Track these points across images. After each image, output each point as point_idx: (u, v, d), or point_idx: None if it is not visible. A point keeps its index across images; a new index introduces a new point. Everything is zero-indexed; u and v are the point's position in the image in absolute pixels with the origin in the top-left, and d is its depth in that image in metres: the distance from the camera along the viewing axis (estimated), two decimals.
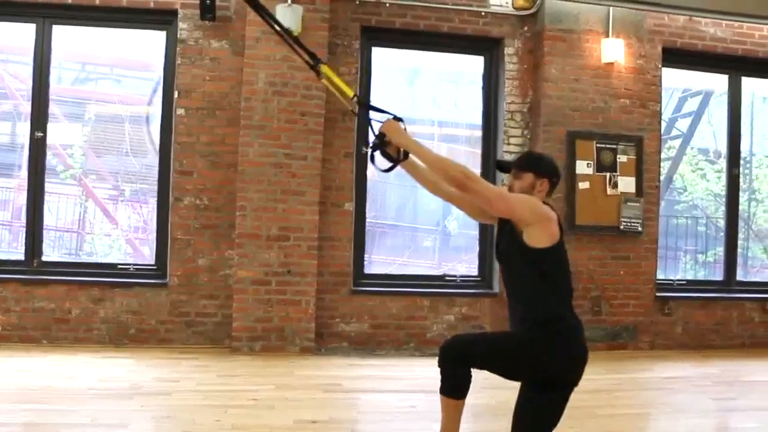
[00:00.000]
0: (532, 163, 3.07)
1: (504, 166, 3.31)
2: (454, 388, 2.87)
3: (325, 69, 3.10)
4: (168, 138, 5.93)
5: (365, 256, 6.33)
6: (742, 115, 7.01)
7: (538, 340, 2.85)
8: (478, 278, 6.54)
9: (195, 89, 5.86)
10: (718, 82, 7.15)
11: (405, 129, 2.93)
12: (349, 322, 6.09)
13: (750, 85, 7.08)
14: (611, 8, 6.29)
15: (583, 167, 6.32)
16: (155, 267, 5.96)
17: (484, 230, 6.51)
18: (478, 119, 6.60)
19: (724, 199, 7.04)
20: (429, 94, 7.05)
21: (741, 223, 7.14)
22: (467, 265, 6.68)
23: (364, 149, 2.87)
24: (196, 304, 5.82)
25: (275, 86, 5.76)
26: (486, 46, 6.53)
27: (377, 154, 2.98)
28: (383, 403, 4.55)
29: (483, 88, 6.60)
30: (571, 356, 2.89)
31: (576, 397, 2.95)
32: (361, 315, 6.12)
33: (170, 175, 5.88)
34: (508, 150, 6.37)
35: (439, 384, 2.88)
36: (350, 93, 3.12)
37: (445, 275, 6.53)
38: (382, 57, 6.42)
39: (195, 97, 5.86)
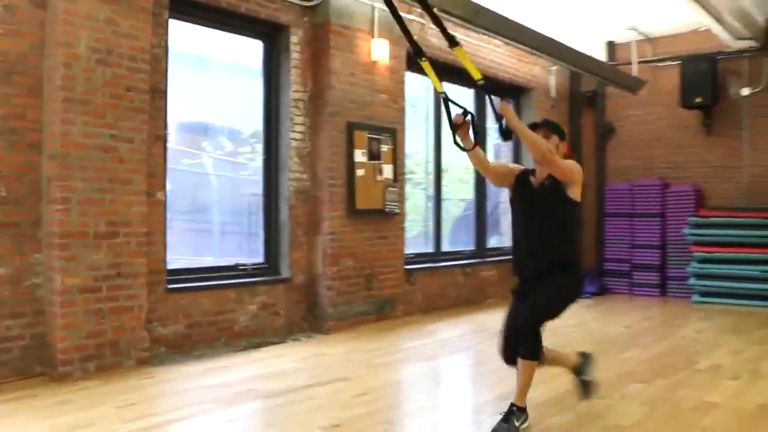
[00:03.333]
0: (558, 129, 4.05)
1: (535, 125, 4.02)
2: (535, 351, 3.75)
3: (459, 51, 3.78)
4: None
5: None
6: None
7: (570, 283, 3.93)
8: (266, 265, 6.73)
9: None
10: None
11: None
12: (166, 324, 5.65)
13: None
14: (375, 10, 7.19)
15: (359, 156, 7.08)
16: None
17: (269, 218, 6.72)
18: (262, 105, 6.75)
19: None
20: (218, 79, 6.81)
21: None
22: (248, 255, 6.76)
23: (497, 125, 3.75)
24: None
25: (99, 53, 4.96)
26: (274, 32, 6.69)
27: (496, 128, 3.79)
28: None
29: (268, 74, 6.74)
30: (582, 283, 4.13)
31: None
32: (176, 315, 5.73)
33: None
34: (293, 137, 6.71)
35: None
36: (478, 76, 3.77)
37: (237, 265, 6.52)
38: (179, 33, 6.00)
39: None
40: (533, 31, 7.39)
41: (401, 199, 7.59)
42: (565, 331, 6.89)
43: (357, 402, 4.36)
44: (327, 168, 6.80)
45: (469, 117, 3.75)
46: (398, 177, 7.52)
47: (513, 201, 4.12)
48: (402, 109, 7.64)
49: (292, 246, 6.72)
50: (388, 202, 7.39)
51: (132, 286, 5.18)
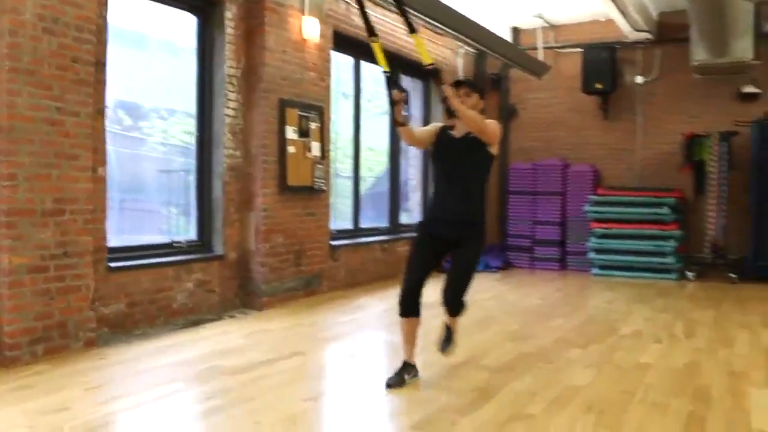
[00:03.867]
0: (478, 87, 4.51)
1: (459, 83, 4.40)
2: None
3: (415, 38, 4.18)
4: None
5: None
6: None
7: (482, 247, 4.44)
8: (199, 242, 6.69)
9: None
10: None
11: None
12: (108, 304, 5.55)
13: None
14: None
15: (290, 133, 7.14)
16: None
17: (202, 195, 6.67)
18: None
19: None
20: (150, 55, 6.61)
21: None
22: (180, 232, 6.69)
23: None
24: None
25: (45, 21, 4.76)
26: (208, 6, 6.60)
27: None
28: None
29: (202, 50, 6.65)
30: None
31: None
32: (117, 294, 5.64)
33: None
34: (227, 113, 6.68)
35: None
36: (429, 61, 4.17)
37: (173, 242, 6.45)
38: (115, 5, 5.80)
39: None
40: (451, 9, 7.60)
41: (327, 176, 7.75)
42: (486, 304, 7.37)
43: (325, 374, 4.55)
44: (261, 145, 6.83)
45: (404, 95, 4.13)
46: (325, 154, 7.67)
47: (435, 155, 4.50)
48: (328, 87, 7.76)
49: (226, 223, 6.74)
50: (316, 179, 7.52)
51: (78, 265, 5.06)
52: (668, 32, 9.58)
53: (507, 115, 11.02)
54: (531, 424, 3.62)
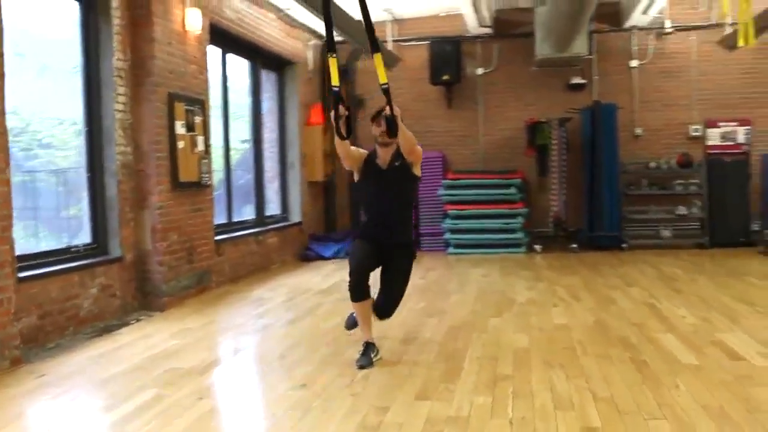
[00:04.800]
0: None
1: (377, 115, 4.73)
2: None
3: (376, 57, 4.40)
4: None
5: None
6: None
7: (413, 250, 4.98)
8: (95, 245, 6.37)
9: None
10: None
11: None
12: (20, 317, 5.17)
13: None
14: None
15: (179, 128, 7.00)
16: None
17: (95, 195, 6.35)
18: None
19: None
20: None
21: None
22: (75, 235, 6.34)
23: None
24: None
25: None
26: None
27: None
28: None
29: (87, 40, 6.31)
30: None
31: None
32: (28, 307, 5.27)
33: None
34: (117, 108, 6.41)
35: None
36: (384, 80, 4.39)
37: (70, 247, 6.08)
38: None
39: None
40: None
41: (210, 170, 7.69)
42: (373, 284, 7.76)
43: (292, 363, 4.69)
44: (153, 140, 6.65)
45: (347, 111, 4.37)
46: (207, 149, 7.61)
47: (362, 181, 4.89)
48: (207, 81, 7.69)
49: (121, 223, 6.49)
50: (202, 174, 7.45)
51: None
52: (505, 28, 10.56)
53: (354, 104, 11.47)
54: (515, 383, 4.11)
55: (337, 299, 7.02)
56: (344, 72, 11.37)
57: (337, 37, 10.42)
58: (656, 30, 10.61)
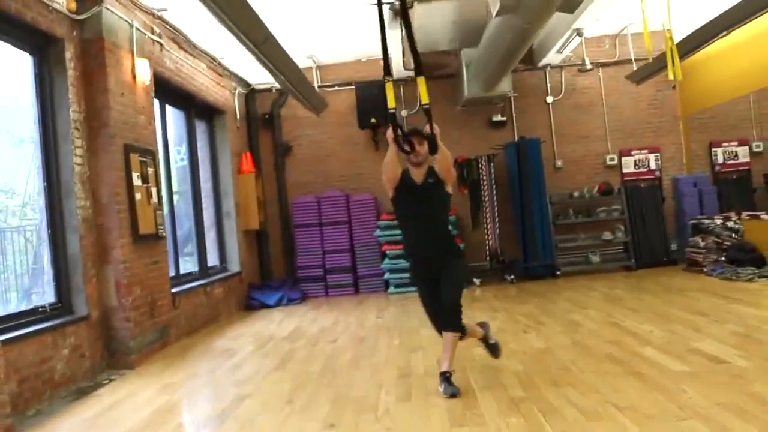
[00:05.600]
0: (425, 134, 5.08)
1: (413, 132, 5.04)
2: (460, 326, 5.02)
3: (420, 80, 4.84)
4: None
5: None
6: None
7: (458, 253, 5.19)
8: (59, 304, 6.10)
9: None
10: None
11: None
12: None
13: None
14: (133, 28, 7.04)
15: (136, 179, 6.87)
16: None
17: (56, 251, 6.11)
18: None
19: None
20: None
21: None
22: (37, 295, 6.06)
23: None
24: None
25: None
26: (45, 44, 6.13)
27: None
28: None
29: (41, 91, 6.15)
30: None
31: None
32: (8, 371, 4.99)
33: None
34: (76, 162, 6.24)
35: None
36: (426, 101, 4.84)
37: (37, 308, 5.80)
38: None
39: None
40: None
41: (164, 221, 7.56)
42: (335, 328, 7.84)
43: (304, 407, 4.71)
44: (113, 193, 6.52)
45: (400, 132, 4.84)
46: (160, 200, 7.48)
47: (400, 198, 5.07)
48: (155, 131, 7.60)
49: (85, 279, 6.27)
50: (158, 226, 7.32)
51: None
52: (427, 71, 10.96)
53: (281, 151, 11.57)
54: (536, 402, 4.32)
55: (307, 344, 7.05)
56: (268, 120, 11.51)
57: (263, 84, 10.86)
58: (578, 66, 11.39)
